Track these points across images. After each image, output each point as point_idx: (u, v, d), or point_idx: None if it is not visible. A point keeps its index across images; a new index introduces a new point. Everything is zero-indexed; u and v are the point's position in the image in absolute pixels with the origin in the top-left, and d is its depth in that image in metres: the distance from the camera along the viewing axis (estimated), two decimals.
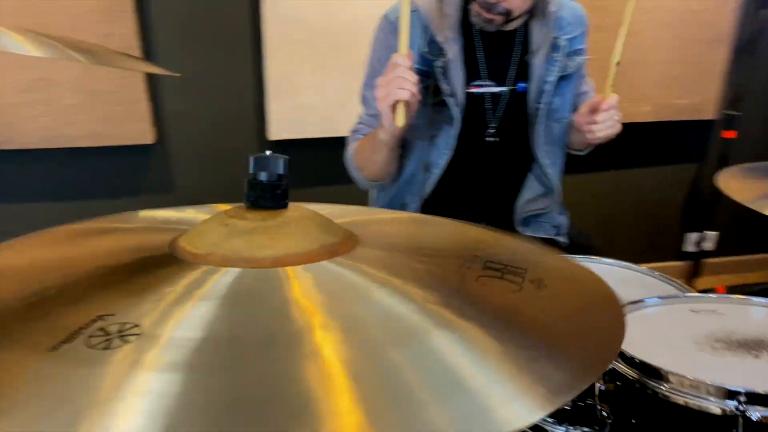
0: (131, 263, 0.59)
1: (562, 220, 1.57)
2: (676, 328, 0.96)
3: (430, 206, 1.48)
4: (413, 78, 1.15)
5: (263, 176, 0.61)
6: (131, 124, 2.05)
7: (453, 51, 1.35)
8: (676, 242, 2.76)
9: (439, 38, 1.33)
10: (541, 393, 0.40)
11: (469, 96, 1.39)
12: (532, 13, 1.40)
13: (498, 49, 1.40)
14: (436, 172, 1.43)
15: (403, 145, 1.43)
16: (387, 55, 1.31)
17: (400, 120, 1.17)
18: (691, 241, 2.73)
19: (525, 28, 1.41)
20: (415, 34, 1.34)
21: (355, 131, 1.47)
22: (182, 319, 0.48)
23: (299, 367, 0.42)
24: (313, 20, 2.03)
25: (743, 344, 0.90)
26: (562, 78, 1.43)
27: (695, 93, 2.46)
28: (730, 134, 2.37)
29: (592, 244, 1.58)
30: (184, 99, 2.10)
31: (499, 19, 1.29)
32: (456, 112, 1.37)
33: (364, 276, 0.57)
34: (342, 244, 0.62)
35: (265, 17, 2.02)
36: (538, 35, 1.40)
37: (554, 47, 1.40)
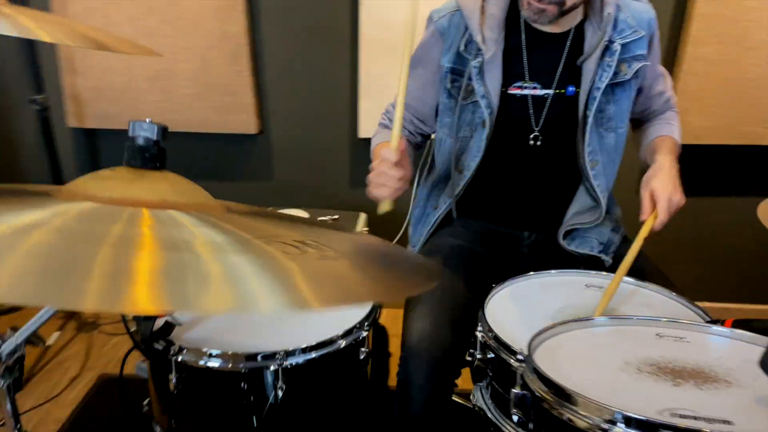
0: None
1: (614, 237, 1.44)
2: (611, 349, 0.93)
3: (464, 209, 1.46)
4: (397, 174, 1.12)
5: (140, 140, 0.67)
6: (238, 115, 2.26)
7: (491, 51, 1.31)
8: None
9: (477, 38, 1.31)
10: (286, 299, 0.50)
11: (510, 97, 1.35)
12: (586, 14, 1.32)
13: (546, 51, 1.34)
14: (467, 174, 1.40)
15: (437, 141, 1.43)
16: (422, 56, 1.33)
17: (382, 209, 1.17)
18: None
19: (579, 30, 1.33)
20: (456, 33, 1.34)
21: (381, 121, 1.50)
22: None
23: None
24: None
25: (674, 372, 0.85)
26: (617, 84, 1.33)
27: None
28: None
29: (646, 268, 1.43)
30: (286, 94, 2.27)
31: (551, 9, 1.22)
32: (486, 114, 1.33)
33: (199, 222, 0.62)
34: (194, 207, 0.66)
35: (362, 20, 2.11)
36: (592, 37, 1.32)
37: (607, 51, 1.30)
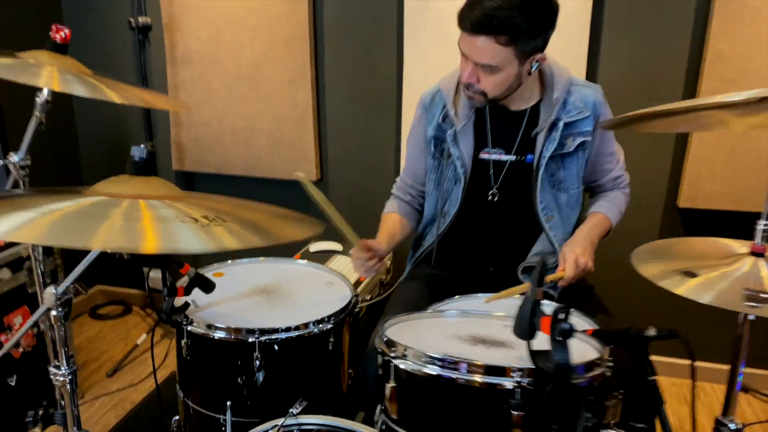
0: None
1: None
2: (450, 329, 1.31)
3: (445, 246, 1.76)
4: (364, 265, 1.58)
5: (136, 157, 1.08)
6: (303, 164, 2.71)
7: (462, 123, 1.64)
8: None
9: (451, 112, 1.65)
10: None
11: (480, 160, 1.66)
12: (542, 96, 1.62)
13: (508, 125, 1.64)
14: (448, 219, 1.71)
15: (426, 193, 1.77)
16: (414, 129, 1.71)
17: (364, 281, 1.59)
18: None
19: (535, 108, 1.62)
20: (437, 108, 1.69)
21: (392, 191, 1.89)
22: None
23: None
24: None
25: (482, 341, 1.20)
26: (565, 154, 1.60)
27: None
28: None
29: (587, 301, 1.63)
30: (342, 149, 2.69)
31: (478, 98, 1.55)
32: (461, 172, 1.65)
33: (166, 205, 1.00)
34: (168, 197, 1.05)
35: (405, 89, 2.50)
36: (543, 115, 1.61)
37: (554, 127, 1.59)
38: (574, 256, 1.49)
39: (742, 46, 2.17)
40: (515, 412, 0.84)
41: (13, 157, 1.43)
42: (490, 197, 1.67)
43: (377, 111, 2.61)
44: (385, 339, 1.15)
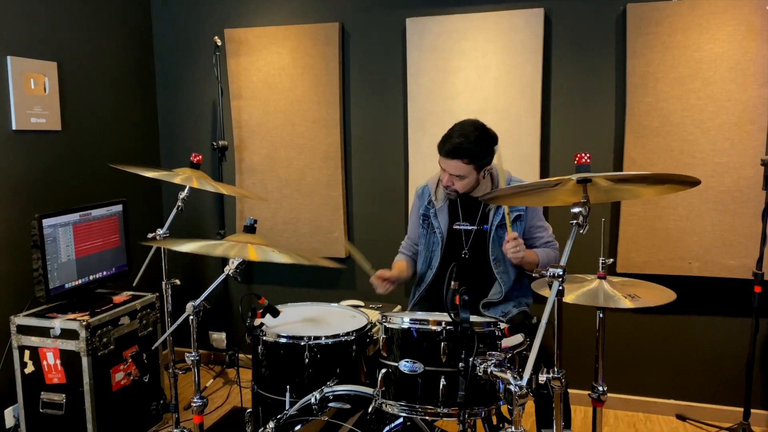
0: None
1: (513, 311, 2.47)
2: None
3: (431, 290, 2.58)
4: (381, 286, 2.49)
5: (248, 223, 1.98)
6: (335, 245, 3.59)
7: (440, 206, 2.52)
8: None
9: (433, 198, 2.54)
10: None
11: (453, 230, 2.52)
12: (492, 188, 2.49)
13: (471, 206, 2.52)
14: (433, 272, 2.55)
15: (419, 252, 2.62)
16: (413, 210, 2.59)
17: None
18: None
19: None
20: (425, 197, 2.58)
21: (400, 249, 2.73)
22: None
23: None
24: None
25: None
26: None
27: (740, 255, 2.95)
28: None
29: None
30: (364, 231, 3.57)
31: (453, 194, 2.44)
32: (440, 238, 2.51)
33: (262, 247, 1.88)
34: (262, 242, 1.93)
35: (410, 183, 3.41)
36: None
37: (497, 207, 2.45)
38: (517, 240, 2.31)
39: (655, 155, 3.04)
40: (443, 343, 1.64)
41: (159, 231, 2.35)
42: (463, 255, 2.51)
43: (389, 204, 3.52)
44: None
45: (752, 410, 2.96)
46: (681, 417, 3.19)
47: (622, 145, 3.12)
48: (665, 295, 1.90)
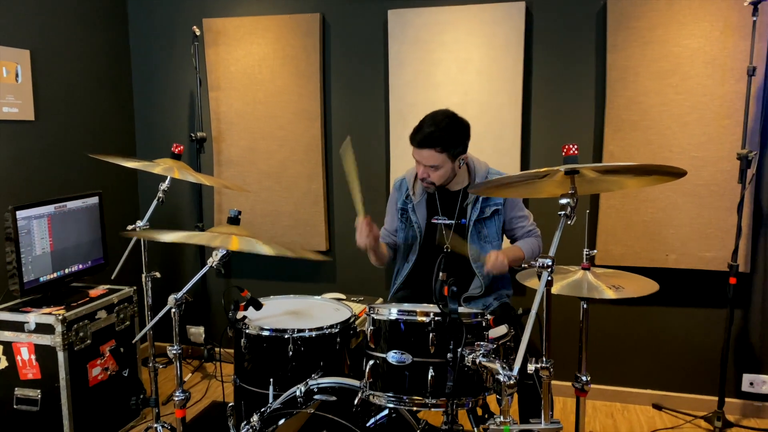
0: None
1: (494, 303, 2.48)
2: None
3: (413, 281, 2.57)
4: (362, 233, 2.37)
5: (232, 215, 1.95)
6: (315, 237, 3.57)
7: (418, 200, 2.51)
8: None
9: (410, 192, 2.53)
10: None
11: (431, 224, 2.51)
12: (471, 181, 2.49)
13: (449, 199, 2.51)
14: (409, 265, 2.54)
15: (396, 248, 2.60)
16: (390, 201, 2.57)
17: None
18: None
19: (466, 189, 2.50)
20: (403, 190, 2.56)
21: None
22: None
23: None
24: None
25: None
26: (486, 218, 2.45)
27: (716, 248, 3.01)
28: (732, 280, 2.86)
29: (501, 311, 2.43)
30: (344, 224, 3.56)
31: (430, 186, 2.43)
32: (418, 232, 2.50)
33: (246, 237, 1.85)
34: (245, 234, 1.90)
35: (391, 174, 3.40)
36: (471, 194, 2.48)
37: (476, 201, 2.45)
38: (495, 254, 2.30)
39: (634, 148, 3.07)
40: (431, 334, 1.64)
41: (139, 223, 2.31)
42: (446, 249, 2.50)
43: (371, 197, 3.50)
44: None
45: (726, 399, 3.03)
46: (657, 406, 3.25)
47: (601, 138, 3.15)
48: (648, 286, 1.93)
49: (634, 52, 3.02)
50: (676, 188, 3.04)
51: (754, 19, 2.74)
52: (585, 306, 1.97)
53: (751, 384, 3.13)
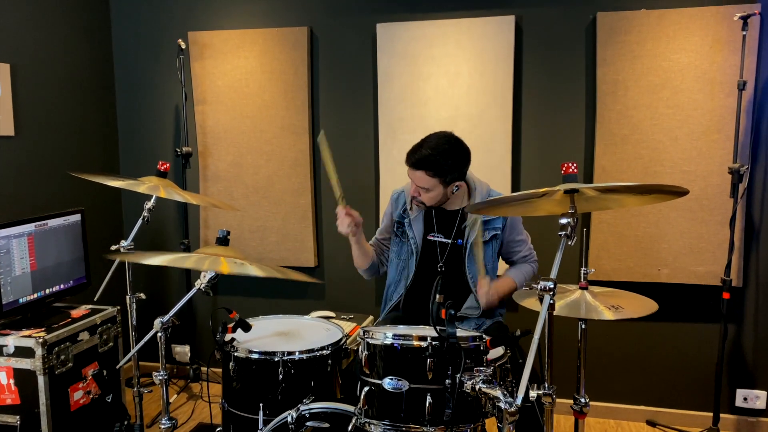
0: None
1: (487, 323, 2.43)
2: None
3: (408, 301, 2.52)
4: (344, 221, 2.36)
5: (221, 235, 1.89)
6: (303, 253, 3.51)
7: (415, 215, 2.46)
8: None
9: (408, 207, 2.48)
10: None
11: (429, 241, 2.46)
12: (470, 201, 2.45)
13: (446, 218, 2.46)
14: (406, 282, 2.49)
15: (389, 261, 2.55)
16: (386, 212, 2.51)
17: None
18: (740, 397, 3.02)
19: (464, 209, 2.45)
20: (401, 203, 2.51)
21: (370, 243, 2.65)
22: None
23: None
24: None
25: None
26: (484, 242, 2.40)
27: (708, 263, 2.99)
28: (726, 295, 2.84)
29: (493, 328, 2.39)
30: (333, 240, 3.50)
31: (420, 205, 2.39)
32: (414, 249, 2.45)
33: (234, 259, 1.79)
34: (233, 255, 1.84)
35: (381, 190, 3.35)
36: (469, 215, 2.43)
37: (474, 224, 2.40)
38: (487, 289, 2.26)
39: (625, 163, 3.05)
40: (429, 359, 1.58)
41: (123, 243, 2.23)
42: (439, 268, 2.45)
43: (359, 212, 3.43)
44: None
45: (721, 415, 3.00)
46: (651, 423, 3.21)
47: (592, 152, 3.13)
48: (647, 306, 1.89)
49: (624, 66, 3.01)
50: (668, 203, 3.02)
51: (744, 33, 2.74)
52: (584, 327, 1.93)
53: (745, 399, 3.10)
